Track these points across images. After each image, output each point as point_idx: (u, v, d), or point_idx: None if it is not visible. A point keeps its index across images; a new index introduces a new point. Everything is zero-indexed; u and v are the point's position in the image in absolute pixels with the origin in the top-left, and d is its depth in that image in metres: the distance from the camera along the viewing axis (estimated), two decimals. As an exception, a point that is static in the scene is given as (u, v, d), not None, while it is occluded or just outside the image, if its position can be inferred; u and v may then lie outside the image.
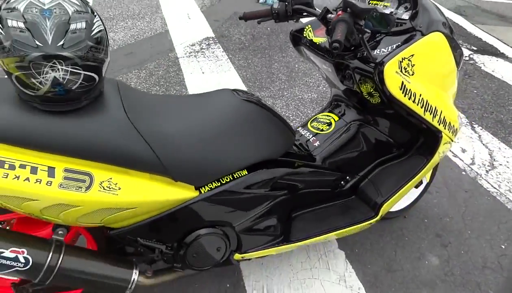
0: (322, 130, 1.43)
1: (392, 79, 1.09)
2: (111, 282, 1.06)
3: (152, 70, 3.02)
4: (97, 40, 0.85)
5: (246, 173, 1.14)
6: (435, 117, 1.21)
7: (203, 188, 1.09)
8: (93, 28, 0.84)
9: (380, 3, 1.28)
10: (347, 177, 1.40)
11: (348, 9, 1.03)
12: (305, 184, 1.30)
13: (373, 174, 1.42)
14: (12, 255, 0.90)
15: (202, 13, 4.24)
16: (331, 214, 1.38)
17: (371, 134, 1.40)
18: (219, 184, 1.10)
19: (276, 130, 1.20)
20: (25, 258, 0.91)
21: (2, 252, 0.89)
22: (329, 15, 1.15)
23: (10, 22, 0.77)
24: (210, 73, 2.99)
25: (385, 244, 1.70)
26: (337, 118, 1.43)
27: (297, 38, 1.46)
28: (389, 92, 1.11)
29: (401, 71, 1.10)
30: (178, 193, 1.03)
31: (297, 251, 1.62)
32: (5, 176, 0.82)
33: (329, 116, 1.47)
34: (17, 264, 0.91)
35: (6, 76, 0.84)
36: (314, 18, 1.43)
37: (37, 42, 0.77)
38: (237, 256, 1.25)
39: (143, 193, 0.96)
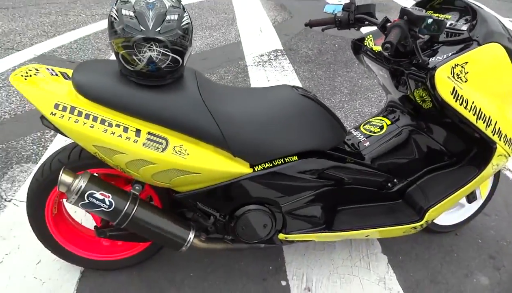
0: (374, 132, 1.50)
1: (443, 84, 1.14)
2: (171, 237, 1.24)
3: (223, 75, 3.28)
4: (185, 31, 1.05)
5: (296, 158, 1.26)
6: (488, 126, 1.22)
7: (257, 167, 1.23)
8: (182, 21, 1.04)
9: (442, 15, 1.34)
10: (395, 180, 1.45)
11: (405, 16, 1.12)
12: (352, 179, 1.38)
13: (422, 180, 1.45)
14: (101, 197, 1.12)
15: (273, 28, 4.48)
16: (375, 213, 1.43)
17: (424, 141, 1.43)
18: (271, 165, 1.23)
19: (327, 124, 1.30)
20: (109, 201, 1.13)
21: (94, 193, 1.11)
22: (388, 24, 1.24)
23: (123, 12, 0.99)
24: (275, 81, 3.17)
25: (432, 256, 1.68)
26: (390, 123, 1.49)
27: (358, 47, 1.56)
28: (440, 97, 1.16)
29: (453, 77, 1.14)
30: (235, 167, 1.18)
31: (339, 248, 1.68)
32: (105, 131, 1.04)
33: (382, 120, 1.53)
34: (104, 205, 1.12)
35: (108, 58, 1.07)
36: (375, 28, 1.53)
37: (141, 27, 0.98)
38: (281, 236, 1.36)
39: (206, 161, 1.12)
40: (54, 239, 1.37)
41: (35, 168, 2.04)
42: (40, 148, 2.21)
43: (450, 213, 1.73)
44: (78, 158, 1.22)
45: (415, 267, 1.62)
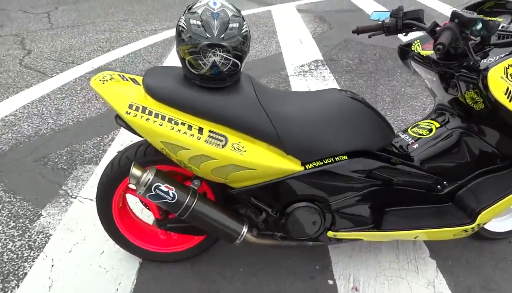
0: (422, 135, 1.51)
1: (497, 84, 1.15)
2: (226, 230, 1.32)
3: (265, 84, 3.38)
4: (244, 37, 1.14)
5: (346, 158, 1.30)
6: None
7: (308, 165, 1.28)
8: (242, 28, 1.14)
9: (492, 18, 1.35)
10: (445, 182, 1.44)
11: (456, 19, 1.14)
12: (400, 181, 1.39)
13: (473, 183, 1.43)
14: (166, 189, 1.22)
15: (313, 39, 4.55)
16: (424, 215, 1.43)
17: (475, 144, 1.42)
18: (321, 163, 1.29)
19: (376, 126, 1.34)
20: (173, 194, 1.23)
21: (160, 186, 1.22)
22: (437, 28, 1.27)
23: (191, 21, 1.10)
24: (316, 90, 3.22)
25: (483, 263, 1.64)
26: (439, 125, 1.50)
27: (405, 52, 1.59)
28: (493, 97, 1.16)
29: (506, 77, 1.15)
30: (288, 164, 1.24)
31: (385, 251, 1.69)
32: (172, 129, 1.15)
33: (431, 123, 1.54)
34: (168, 197, 1.22)
35: (170, 65, 1.18)
36: (422, 34, 1.55)
37: (207, 35, 1.09)
38: (330, 233, 1.40)
39: (261, 158, 1.20)
40: (119, 230, 1.49)
41: (96, 169, 2.22)
42: (100, 151, 2.40)
43: (503, 219, 1.69)
44: (143, 155, 1.35)
45: (465, 273, 1.59)
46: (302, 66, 3.77)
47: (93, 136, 2.57)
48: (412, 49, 1.55)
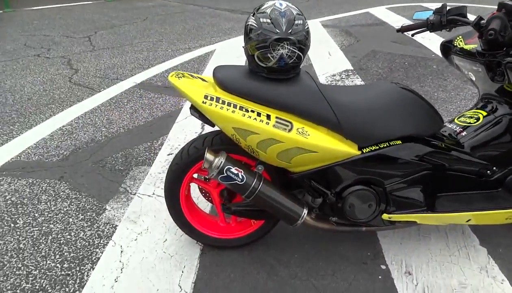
0: (470, 123, 1.58)
1: None
2: (288, 212, 1.42)
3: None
4: (307, 32, 1.28)
5: (400, 142, 1.40)
6: None
7: (365, 149, 1.38)
8: (305, 25, 1.28)
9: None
10: (494, 168, 1.50)
11: (503, 9, 1.24)
12: (451, 166, 1.46)
13: None
14: (236, 172, 1.34)
15: (341, 51, 4.69)
16: (476, 199, 1.49)
17: (524, 130, 1.48)
18: (377, 147, 1.38)
19: (426, 113, 1.43)
20: (242, 176, 1.35)
21: (230, 168, 1.34)
22: (482, 21, 1.37)
23: (261, 20, 1.25)
24: (350, 96, 3.32)
25: (535, 251, 1.66)
26: (486, 114, 1.56)
27: (447, 48, 1.69)
28: None
29: (553, 61, 1.23)
30: (347, 148, 1.35)
31: (435, 239, 1.73)
32: (243, 115, 1.28)
33: (477, 112, 1.61)
34: (237, 179, 1.34)
35: (227, 64, 1.33)
36: (464, 30, 1.65)
37: (277, 30, 1.23)
38: (384, 216, 1.48)
39: (323, 141, 1.31)
40: (184, 216, 1.62)
41: (150, 169, 2.38)
42: (152, 154, 2.57)
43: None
44: (210, 145, 1.48)
45: (518, 259, 1.62)
46: (333, 75, 3.89)
47: (144, 141, 2.74)
48: (455, 44, 1.64)
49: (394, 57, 4.38)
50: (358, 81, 3.71)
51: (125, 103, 3.44)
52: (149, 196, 2.12)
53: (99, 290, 1.54)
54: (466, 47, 1.58)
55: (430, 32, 1.59)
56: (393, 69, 4.03)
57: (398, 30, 1.67)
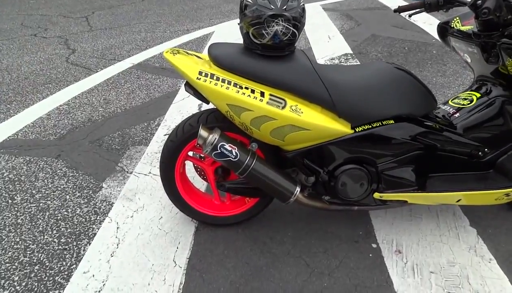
0: (463, 105, 1.59)
1: None
2: (280, 189, 1.44)
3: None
4: (302, 10, 1.27)
5: (393, 122, 1.41)
6: None
7: (357, 128, 1.39)
8: (300, 2, 1.27)
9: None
10: (486, 149, 1.52)
11: None
12: (443, 146, 1.48)
13: None
14: (229, 148, 1.36)
15: (341, 35, 4.65)
16: (467, 179, 1.51)
17: (516, 112, 1.49)
18: (370, 127, 1.39)
19: (419, 93, 1.44)
20: (236, 152, 1.36)
21: (224, 145, 1.36)
22: (478, 2, 1.36)
23: (256, -5, 1.25)
24: (348, 80, 3.32)
25: (524, 232, 1.69)
26: (479, 95, 1.57)
27: (444, 30, 1.68)
28: None
29: (547, 41, 1.23)
30: (340, 126, 1.36)
31: (426, 220, 1.76)
32: (237, 92, 1.28)
33: (471, 94, 1.62)
34: (231, 155, 1.36)
35: (223, 42, 1.32)
36: (462, 12, 1.64)
37: (272, 6, 1.22)
38: (376, 195, 1.50)
39: (316, 119, 1.32)
40: (179, 193, 1.64)
41: (146, 149, 2.40)
42: (148, 134, 2.58)
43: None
44: (205, 122, 1.49)
45: (506, 240, 1.65)
46: (332, 59, 3.87)
47: (141, 122, 2.75)
48: (452, 26, 1.64)
49: (394, 41, 4.35)
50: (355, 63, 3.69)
51: (122, 84, 3.43)
52: (145, 174, 2.15)
53: (96, 264, 1.57)
54: (463, 28, 1.58)
55: (427, 12, 1.59)
56: (392, 53, 4.01)
57: (395, 11, 1.66)
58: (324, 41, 4.48)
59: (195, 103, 2.98)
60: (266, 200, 1.67)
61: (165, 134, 2.56)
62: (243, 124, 1.35)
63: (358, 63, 3.76)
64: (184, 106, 2.94)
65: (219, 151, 1.35)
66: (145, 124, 2.72)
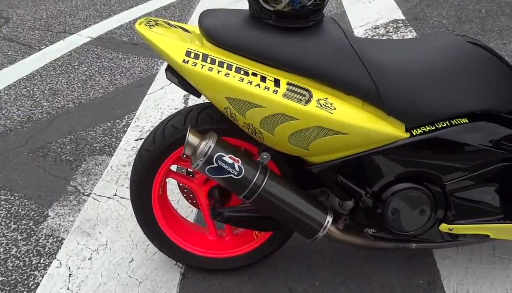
0: None
1: None
2: (304, 220, 1.44)
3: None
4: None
5: (467, 121, 1.40)
6: None
7: (415, 130, 1.38)
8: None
9: None
10: None
11: None
12: (541, 156, 1.46)
13: None
14: (230, 161, 1.35)
15: (388, -7, 4.65)
16: None
17: None
18: (433, 128, 1.38)
19: (505, 81, 1.42)
20: (239, 167, 1.36)
21: (223, 156, 1.35)
22: None
23: None
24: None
25: None
26: None
27: None
28: None
29: None
30: (389, 128, 1.35)
31: (517, 262, 1.75)
32: (241, 80, 1.28)
33: None
34: (232, 171, 1.36)
35: (220, 8, 1.33)
36: None
37: (289, -44, 1.23)
38: (443, 226, 1.49)
39: (355, 118, 1.31)
40: (158, 224, 1.64)
41: (110, 161, 2.41)
42: (113, 139, 2.60)
43: None
44: (195, 123, 1.49)
45: None
46: (375, 28, 3.87)
47: (103, 121, 2.78)
48: None
49: (465, 2, 4.34)
50: (411, 35, 3.68)
51: (76, 67, 3.47)
52: (108, 198, 2.16)
53: (39, 328, 1.58)
54: None
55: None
56: (463, 19, 4.00)
57: None
58: (364, 2, 4.49)
59: (179, 95, 3.00)
60: (283, 235, 1.67)
61: (136, 139, 2.57)
62: (250, 126, 1.35)
63: (413, 32, 3.75)
64: (163, 99, 2.96)
65: (216, 165, 1.35)
66: (109, 124, 2.74)
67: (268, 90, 1.29)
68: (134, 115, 2.81)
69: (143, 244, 1.89)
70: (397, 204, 1.45)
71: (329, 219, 1.45)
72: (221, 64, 1.30)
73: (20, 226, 2.03)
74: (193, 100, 2.87)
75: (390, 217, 1.47)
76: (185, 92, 2.96)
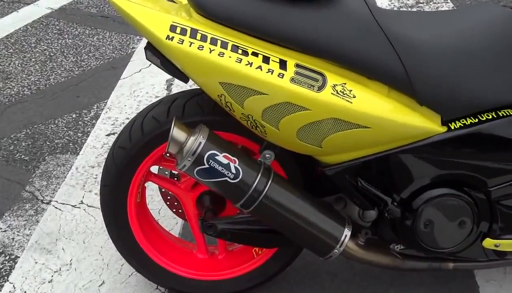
0: None
1: None
2: (316, 233, 1.43)
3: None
4: None
5: (517, 112, 1.39)
6: None
7: (453, 123, 1.38)
8: None
9: None
10: None
11: None
12: None
13: None
14: (225, 161, 1.35)
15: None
16: None
17: None
18: (476, 121, 1.37)
19: None
20: (236, 168, 1.35)
21: (216, 155, 1.35)
22: None
23: None
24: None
25: None
26: None
27: None
28: None
29: None
30: (422, 120, 1.34)
31: None
32: (239, 61, 1.27)
33: None
34: (228, 174, 1.35)
35: None
36: None
37: None
38: (487, 242, 1.48)
39: (380, 108, 1.30)
40: (134, 237, 1.63)
41: (76, 161, 2.41)
42: (79, 134, 2.60)
43: None
44: (181, 114, 1.49)
45: None
46: (403, -2, 3.87)
47: (66, 112, 2.77)
48: None
49: (514, -35, 4.33)
50: (447, 7, 3.68)
51: (33, 45, 3.46)
52: (73, 206, 2.16)
53: None
54: None
55: None
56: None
57: None
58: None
59: (162, 80, 2.99)
60: (290, 253, 1.67)
61: (108, 135, 2.57)
62: (250, 118, 1.34)
63: (451, 6, 3.75)
64: (141, 86, 2.96)
65: (207, 166, 1.34)
66: (74, 116, 2.74)
67: (272, 73, 1.28)
68: (105, 105, 2.80)
69: (116, 264, 1.88)
70: (431, 214, 1.44)
71: (347, 232, 1.44)
72: (213, 42, 1.29)
73: (-36, 241, 2.02)
74: (179, 86, 2.86)
75: (423, 230, 1.46)
76: (169, 77, 2.95)
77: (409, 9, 3.69)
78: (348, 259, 1.53)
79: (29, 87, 3.00)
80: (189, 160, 1.34)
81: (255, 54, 1.29)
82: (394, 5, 3.75)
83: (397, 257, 1.55)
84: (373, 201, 1.47)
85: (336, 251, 1.45)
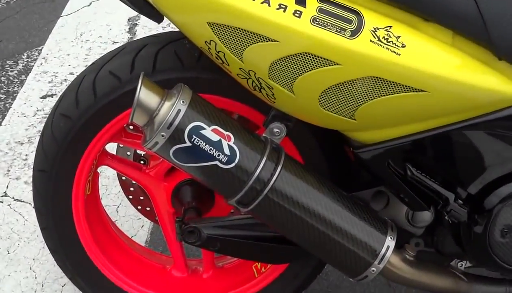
0: None
1: None
2: (345, 244, 1.44)
3: None
4: None
5: None
6: None
7: (546, 87, 1.39)
8: None
9: None
10: None
11: None
12: None
13: None
14: (215, 138, 1.35)
15: None
16: None
17: None
18: None
19: None
20: (230, 147, 1.36)
21: (203, 128, 1.35)
22: None
23: None
24: None
25: None
26: None
27: None
28: None
29: None
30: (499, 82, 1.35)
31: None
32: (236, -7, 1.29)
33: None
34: (219, 156, 1.36)
35: None
36: None
37: None
38: None
39: (440, 64, 1.31)
40: (82, 246, 1.65)
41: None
42: (1, 96, 2.61)
43: None
44: (152, 69, 1.49)
45: None
46: None
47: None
48: None
49: None
50: None
51: None
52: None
53: None
54: None
55: None
56: None
57: None
58: None
59: (123, 19, 3.00)
60: (306, 270, 1.69)
61: (44, 97, 2.58)
62: (251, 75, 1.35)
63: None
64: (92, 26, 2.96)
65: (188, 144, 1.35)
66: (-7, 69, 2.75)
67: (284, 11, 1.28)
68: (39, 54, 2.81)
69: (54, 283, 1.91)
70: (510, 217, 1.46)
71: (390, 242, 1.46)
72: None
73: None
74: (146, 28, 2.86)
75: (499, 241, 1.48)
76: (132, 13, 2.96)
77: None
78: (389, 280, 1.53)
79: None
80: (162, 135, 1.34)
81: (259, -16, 1.29)
82: None
83: (461, 278, 1.56)
84: (428, 197, 1.47)
85: (373, 269, 1.45)
